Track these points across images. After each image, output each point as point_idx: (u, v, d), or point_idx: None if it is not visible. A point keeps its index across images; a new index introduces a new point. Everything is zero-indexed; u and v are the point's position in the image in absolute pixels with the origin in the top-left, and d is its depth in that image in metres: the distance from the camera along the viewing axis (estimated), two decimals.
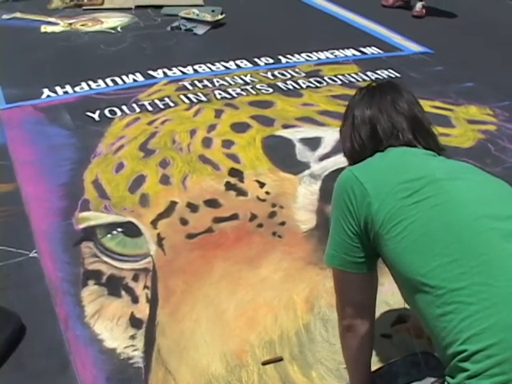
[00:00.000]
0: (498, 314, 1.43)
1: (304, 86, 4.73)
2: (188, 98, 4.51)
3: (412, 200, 1.61)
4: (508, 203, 1.65)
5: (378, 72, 5.00)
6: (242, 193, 3.33)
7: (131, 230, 3.06)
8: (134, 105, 4.42)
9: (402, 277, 1.63)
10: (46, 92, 4.66)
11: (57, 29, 6.16)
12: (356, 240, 1.72)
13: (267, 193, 3.31)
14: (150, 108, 4.37)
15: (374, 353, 2.05)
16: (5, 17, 6.45)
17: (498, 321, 1.42)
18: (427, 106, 4.32)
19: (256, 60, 5.29)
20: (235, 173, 3.51)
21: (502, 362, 1.39)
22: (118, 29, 6.18)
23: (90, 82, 4.82)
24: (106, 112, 4.31)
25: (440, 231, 1.56)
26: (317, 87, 4.70)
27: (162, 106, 4.39)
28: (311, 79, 4.85)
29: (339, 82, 4.78)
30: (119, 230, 3.07)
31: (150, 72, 5.02)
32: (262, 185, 3.38)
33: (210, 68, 5.14)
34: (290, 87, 4.70)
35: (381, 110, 1.89)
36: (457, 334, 1.46)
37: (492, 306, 1.44)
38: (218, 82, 4.82)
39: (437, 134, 1.98)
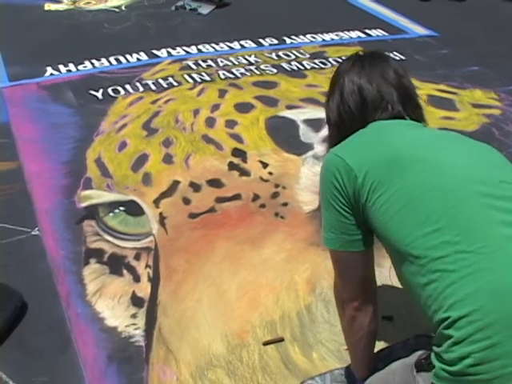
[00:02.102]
0: (480, 280, 1.43)
1: (308, 67, 4.71)
2: (192, 78, 4.50)
3: (394, 169, 1.61)
4: (496, 169, 1.64)
5: None
6: (245, 173, 3.32)
7: (133, 209, 3.06)
8: (138, 84, 4.41)
9: (389, 247, 1.64)
10: (50, 70, 4.64)
11: (60, 7, 6.13)
12: (350, 217, 1.71)
13: (270, 173, 3.30)
14: (153, 87, 4.35)
15: None
16: None
17: (480, 287, 1.42)
18: (432, 89, 4.31)
19: (260, 40, 5.27)
20: (238, 153, 3.50)
21: (485, 328, 1.39)
22: (123, 7, 6.15)
23: (94, 61, 4.80)
24: (110, 91, 4.30)
25: (423, 199, 1.55)
26: (321, 68, 4.68)
27: (165, 86, 4.38)
28: (316, 60, 4.83)
29: None
30: (121, 208, 3.06)
31: (154, 51, 5.00)
32: (265, 165, 3.37)
33: (214, 48, 5.11)
34: (295, 68, 4.68)
35: (370, 81, 1.84)
36: (441, 302, 1.46)
37: (474, 272, 1.44)
38: (222, 61, 4.80)
39: (423, 107, 1.94)
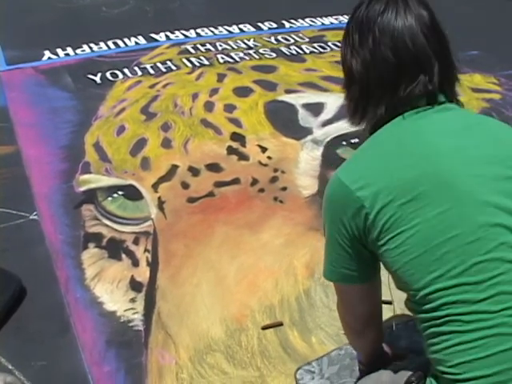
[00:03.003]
0: (495, 347, 1.32)
1: (307, 51, 4.69)
2: (190, 62, 4.48)
3: (413, 207, 1.39)
4: None
5: None
6: (243, 157, 3.31)
7: (132, 193, 3.05)
8: (136, 68, 4.39)
9: (401, 287, 1.48)
10: (47, 54, 4.62)
11: None
12: (353, 253, 1.52)
13: (269, 158, 3.29)
14: (151, 71, 4.33)
15: None
16: None
17: (495, 354, 1.32)
18: None
19: (259, 24, 5.24)
20: (237, 137, 3.48)
21: None
22: None
23: (92, 45, 4.78)
24: (108, 75, 4.28)
25: (443, 248, 1.37)
26: (320, 53, 4.66)
27: (164, 70, 4.36)
28: (315, 44, 4.80)
29: None
30: (120, 192, 3.06)
31: (153, 35, 4.98)
32: (264, 149, 3.36)
33: (212, 32, 5.09)
34: (294, 52, 4.66)
35: (410, 37, 1.48)
36: (449, 356, 1.36)
37: (492, 336, 1.33)
38: (220, 45, 4.78)
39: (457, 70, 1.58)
